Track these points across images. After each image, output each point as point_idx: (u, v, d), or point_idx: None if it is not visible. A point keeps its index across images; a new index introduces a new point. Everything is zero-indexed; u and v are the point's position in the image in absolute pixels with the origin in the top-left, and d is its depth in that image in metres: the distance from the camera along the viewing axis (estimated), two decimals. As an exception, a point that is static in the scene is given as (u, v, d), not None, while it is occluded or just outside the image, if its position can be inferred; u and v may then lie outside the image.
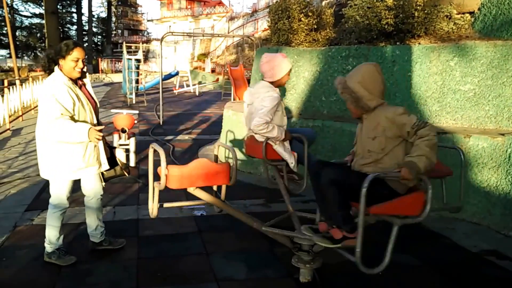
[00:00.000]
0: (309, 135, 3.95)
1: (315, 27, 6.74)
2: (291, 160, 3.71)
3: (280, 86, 3.89)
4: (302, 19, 6.65)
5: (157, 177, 3.10)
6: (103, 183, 3.68)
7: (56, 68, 3.34)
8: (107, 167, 3.61)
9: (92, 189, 3.65)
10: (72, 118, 3.30)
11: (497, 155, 4.35)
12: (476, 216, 4.49)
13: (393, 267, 3.59)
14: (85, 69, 3.46)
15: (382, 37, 5.81)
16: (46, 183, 5.92)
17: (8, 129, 10.49)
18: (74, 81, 3.40)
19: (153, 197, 3.11)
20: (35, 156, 7.67)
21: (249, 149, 4.01)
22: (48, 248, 3.58)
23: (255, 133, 3.71)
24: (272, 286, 3.25)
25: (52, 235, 3.55)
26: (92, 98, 3.57)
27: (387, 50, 5.51)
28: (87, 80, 3.58)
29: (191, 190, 3.27)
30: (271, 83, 3.79)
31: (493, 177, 4.38)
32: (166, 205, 3.35)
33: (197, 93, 22.55)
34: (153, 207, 3.12)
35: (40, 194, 5.42)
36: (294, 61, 6.37)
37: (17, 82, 12.89)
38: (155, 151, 3.09)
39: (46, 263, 3.54)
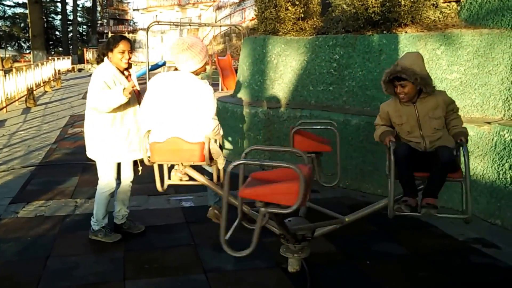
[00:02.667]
0: None
1: (302, 16, 6.70)
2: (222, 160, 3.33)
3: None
4: (289, 8, 6.60)
5: None
6: (140, 168, 3.80)
7: (105, 58, 3.65)
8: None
9: (127, 175, 3.86)
10: None
11: (483, 144, 4.38)
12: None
13: (380, 256, 3.63)
14: (131, 60, 3.73)
15: (369, 26, 5.79)
16: (31, 175, 5.89)
17: (-8, 121, 10.34)
18: (122, 72, 3.69)
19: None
20: (19, 148, 7.60)
21: None
22: (95, 226, 3.80)
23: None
24: (261, 276, 3.25)
25: (100, 214, 3.78)
26: (137, 87, 3.82)
27: (374, 39, 5.50)
28: (133, 70, 3.86)
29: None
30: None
31: (479, 165, 4.41)
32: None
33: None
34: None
35: (25, 186, 5.34)
36: (281, 50, 6.33)
37: (1, 73, 12.67)
38: None
39: (31, 257, 3.50)
